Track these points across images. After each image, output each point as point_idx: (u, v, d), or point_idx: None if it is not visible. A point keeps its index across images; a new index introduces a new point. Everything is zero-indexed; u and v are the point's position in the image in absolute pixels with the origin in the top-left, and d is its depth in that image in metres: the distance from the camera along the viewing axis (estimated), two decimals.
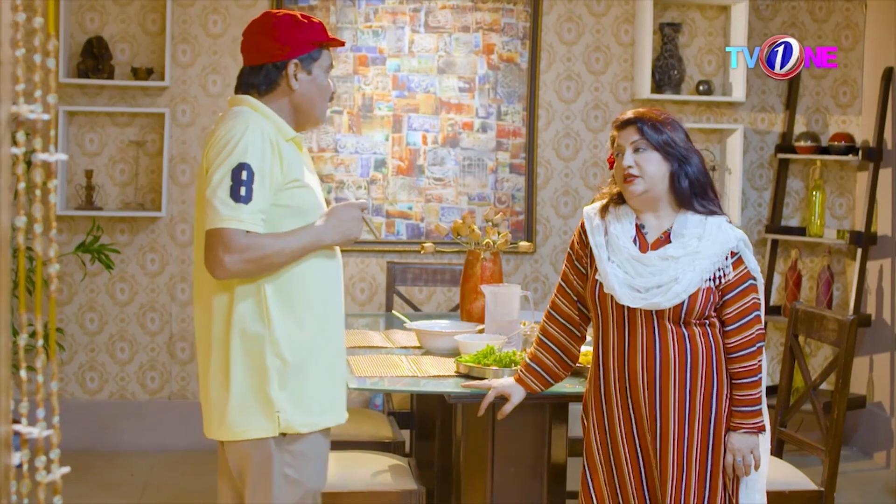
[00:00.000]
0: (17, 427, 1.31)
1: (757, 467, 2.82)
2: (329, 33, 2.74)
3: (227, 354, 2.59)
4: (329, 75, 2.75)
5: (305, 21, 2.69)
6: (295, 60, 2.66)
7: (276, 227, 2.56)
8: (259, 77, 2.67)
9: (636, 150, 2.78)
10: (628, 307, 2.76)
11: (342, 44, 2.81)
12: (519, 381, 3.02)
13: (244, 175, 2.48)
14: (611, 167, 2.88)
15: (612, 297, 2.77)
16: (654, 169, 2.77)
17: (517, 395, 3.01)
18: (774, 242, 5.91)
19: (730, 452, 2.79)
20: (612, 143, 2.85)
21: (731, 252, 2.80)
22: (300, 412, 2.61)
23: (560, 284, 2.99)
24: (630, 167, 2.77)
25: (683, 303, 2.73)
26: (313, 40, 2.68)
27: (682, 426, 2.75)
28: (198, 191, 2.66)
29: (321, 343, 2.66)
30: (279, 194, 2.56)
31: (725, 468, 2.80)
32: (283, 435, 2.61)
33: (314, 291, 2.65)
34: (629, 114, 2.84)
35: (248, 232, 2.49)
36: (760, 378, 2.81)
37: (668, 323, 2.75)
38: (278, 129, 2.63)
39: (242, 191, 2.48)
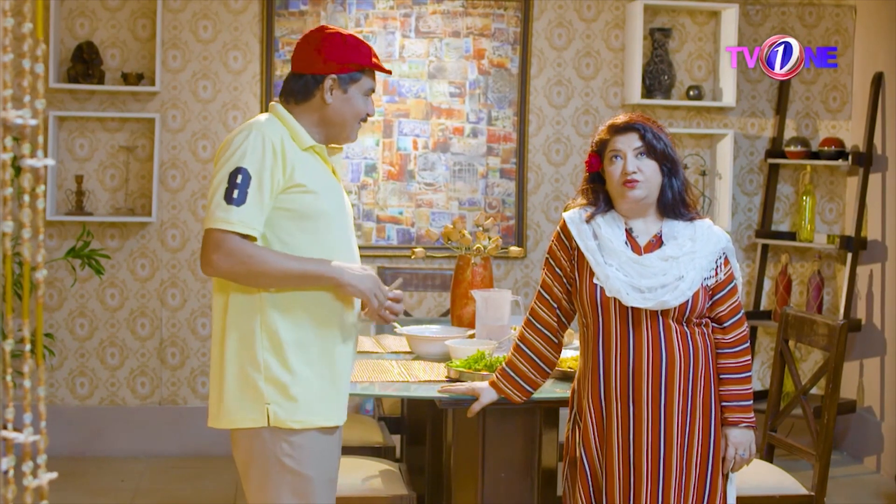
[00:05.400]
0: (3, 433, 1.31)
1: (748, 462, 2.88)
2: (376, 59, 2.77)
3: (223, 347, 2.66)
4: (368, 99, 2.79)
5: (353, 42, 2.75)
6: (333, 76, 2.72)
7: (274, 229, 2.63)
8: (298, 85, 2.74)
9: (638, 156, 2.79)
10: (632, 308, 2.77)
11: (388, 72, 2.85)
12: (493, 385, 3.02)
13: (239, 179, 2.56)
14: (590, 169, 2.87)
15: (615, 299, 2.78)
16: (653, 176, 2.81)
17: (486, 396, 3.02)
18: (765, 247, 5.93)
19: (732, 446, 2.84)
20: (601, 147, 2.85)
21: (722, 251, 2.87)
22: (290, 409, 2.63)
23: (539, 291, 2.98)
24: (635, 172, 2.78)
25: (688, 301, 2.77)
26: (356, 62, 2.73)
27: (684, 424, 2.78)
28: None
29: (319, 343, 2.68)
30: (280, 197, 2.62)
31: (725, 462, 2.84)
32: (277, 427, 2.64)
33: (315, 295, 2.67)
34: (627, 118, 2.84)
35: (244, 237, 2.54)
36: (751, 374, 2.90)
37: (671, 322, 2.78)
38: (295, 137, 2.69)
39: (235, 193, 2.55)
